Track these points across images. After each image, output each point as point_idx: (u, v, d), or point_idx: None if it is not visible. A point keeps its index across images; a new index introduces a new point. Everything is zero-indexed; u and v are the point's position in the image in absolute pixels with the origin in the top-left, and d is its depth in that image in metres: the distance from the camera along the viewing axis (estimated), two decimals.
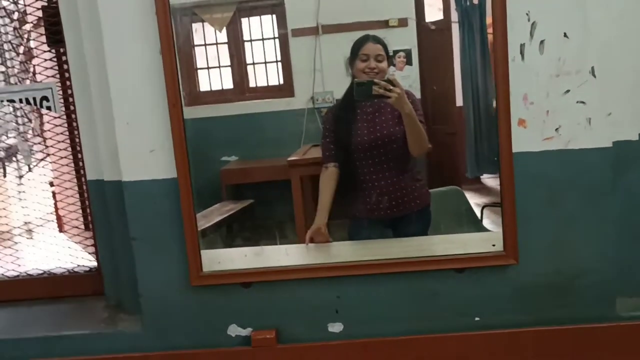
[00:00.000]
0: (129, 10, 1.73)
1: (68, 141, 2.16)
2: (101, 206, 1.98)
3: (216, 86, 4.33)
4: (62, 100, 2.07)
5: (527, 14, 1.66)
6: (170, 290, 1.85)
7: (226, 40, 4.35)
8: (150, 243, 1.83)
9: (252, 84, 4.38)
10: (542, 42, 1.67)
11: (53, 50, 2.11)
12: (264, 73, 4.35)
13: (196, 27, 4.29)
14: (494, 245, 1.79)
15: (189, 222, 1.77)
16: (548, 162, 1.72)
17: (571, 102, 1.69)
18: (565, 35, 1.66)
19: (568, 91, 1.69)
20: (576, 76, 1.68)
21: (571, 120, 1.70)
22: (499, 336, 1.78)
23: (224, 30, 4.33)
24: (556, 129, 1.71)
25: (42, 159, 2.53)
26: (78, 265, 2.19)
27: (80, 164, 2.09)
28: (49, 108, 2.04)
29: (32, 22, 2.16)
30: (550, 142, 1.72)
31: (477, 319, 1.81)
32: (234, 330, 1.86)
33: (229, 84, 4.35)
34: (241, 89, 4.37)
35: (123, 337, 1.88)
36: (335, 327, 1.85)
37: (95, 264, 2.16)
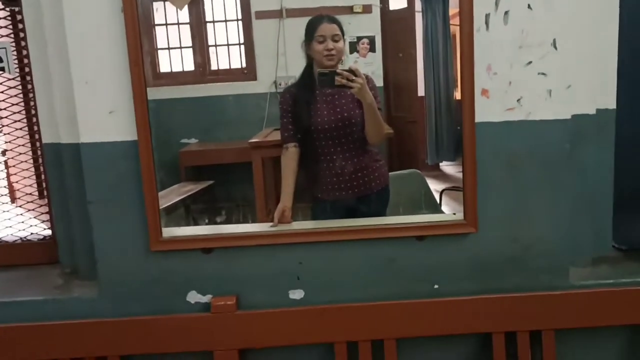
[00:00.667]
0: None
1: (22, 104, 2.08)
2: (57, 171, 1.92)
3: (177, 68, 4.25)
4: (16, 62, 1.99)
5: None
6: (128, 255, 1.81)
7: (188, 21, 4.27)
8: (108, 207, 1.78)
9: (214, 67, 4.32)
10: (506, 12, 1.70)
11: (7, 9, 2.03)
12: (227, 55, 4.30)
13: (157, 6, 4.20)
14: (454, 214, 1.81)
15: (148, 185, 1.73)
16: (509, 132, 1.75)
17: (533, 74, 1.73)
18: (529, 6, 1.69)
19: (530, 62, 1.72)
20: (538, 48, 1.71)
21: (532, 91, 1.74)
22: (456, 303, 1.80)
23: (186, 10, 4.24)
24: (518, 100, 1.74)
25: None
26: (31, 234, 2.12)
27: (35, 128, 2.02)
28: (2, 69, 1.96)
29: None
30: (512, 112, 1.75)
31: (435, 286, 1.84)
32: (194, 297, 1.84)
33: (190, 66, 4.28)
34: (203, 71, 4.31)
35: (78, 303, 1.82)
36: (296, 294, 1.84)
37: (49, 232, 2.09)
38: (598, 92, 1.84)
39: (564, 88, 1.74)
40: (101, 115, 1.74)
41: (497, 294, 1.82)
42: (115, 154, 1.75)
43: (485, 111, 1.74)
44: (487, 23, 1.70)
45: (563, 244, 1.82)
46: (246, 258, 1.82)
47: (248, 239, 1.79)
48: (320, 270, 1.83)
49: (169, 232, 1.80)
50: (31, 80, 1.93)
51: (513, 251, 1.82)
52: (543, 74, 1.72)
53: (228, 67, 4.32)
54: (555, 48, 1.71)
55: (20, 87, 2.07)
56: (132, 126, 1.72)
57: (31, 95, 1.99)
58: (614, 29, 1.82)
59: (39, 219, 2.17)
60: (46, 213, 2.09)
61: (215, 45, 4.29)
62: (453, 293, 1.83)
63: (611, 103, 1.86)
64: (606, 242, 1.97)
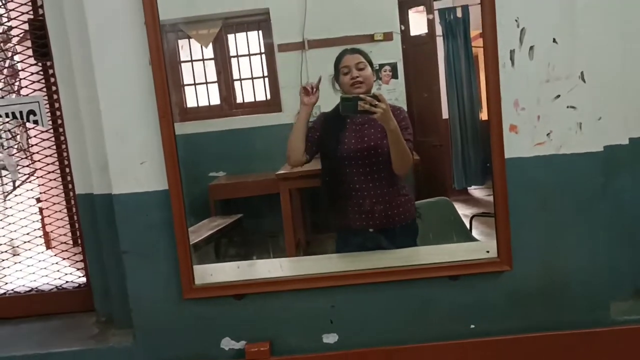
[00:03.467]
0: (118, 22, 1.73)
1: (56, 155, 2.13)
2: (90, 220, 1.95)
3: (203, 102, 4.31)
4: (49, 114, 2.05)
5: (516, 20, 1.68)
6: (161, 304, 1.82)
7: (212, 57, 4.34)
8: (141, 256, 1.80)
9: (239, 100, 4.36)
10: (531, 47, 1.69)
11: (39, 64, 2.09)
12: (251, 88, 4.34)
13: (182, 43, 4.28)
14: (488, 252, 1.78)
15: (180, 234, 1.75)
16: (540, 167, 1.73)
17: (562, 107, 1.70)
18: (554, 40, 1.68)
19: (558, 96, 1.70)
20: (566, 81, 1.69)
21: (562, 125, 1.71)
22: (494, 343, 1.77)
23: (210, 46, 4.32)
24: (547, 134, 1.72)
25: (29, 175, 2.49)
26: (67, 282, 2.15)
27: (69, 178, 2.06)
28: (36, 122, 2.01)
29: (17, 36, 2.14)
30: (542, 147, 1.72)
31: (472, 326, 1.80)
32: (227, 343, 1.83)
33: (216, 100, 4.33)
34: (228, 104, 4.35)
35: (114, 353, 1.84)
36: (330, 338, 1.82)
37: (84, 279, 2.12)
38: (630, 122, 1.81)
39: (595, 120, 1.72)
40: (132, 166, 1.77)
41: (536, 332, 1.77)
42: (147, 204, 1.78)
43: (515, 146, 1.73)
44: (512, 59, 1.69)
45: (602, 278, 1.78)
46: (278, 302, 1.81)
47: (279, 284, 1.79)
48: (353, 312, 1.81)
49: (200, 271, 1.80)
50: (64, 131, 1.98)
51: (550, 288, 1.78)
52: (572, 107, 1.70)
53: (253, 100, 4.37)
54: (584, 81, 1.69)
55: (53, 138, 2.12)
56: (163, 176, 1.75)
57: (64, 146, 2.03)
58: None
59: (73, 267, 2.20)
60: (81, 261, 2.12)
61: (240, 79, 4.34)
62: (490, 333, 1.79)
63: None
64: None
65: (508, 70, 1.70)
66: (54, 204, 2.18)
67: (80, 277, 2.16)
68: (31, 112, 1.99)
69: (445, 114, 4.85)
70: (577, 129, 1.71)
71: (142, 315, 1.83)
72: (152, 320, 1.83)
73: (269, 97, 4.31)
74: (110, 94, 1.75)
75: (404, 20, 4.31)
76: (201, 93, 4.33)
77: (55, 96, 2.02)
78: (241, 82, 4.34)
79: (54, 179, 2.16)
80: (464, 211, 3.52)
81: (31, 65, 2.10)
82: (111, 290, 1.95)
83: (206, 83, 4.31)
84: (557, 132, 1.71)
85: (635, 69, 1.79)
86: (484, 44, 1.69)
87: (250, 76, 4.33)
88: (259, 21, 4.28)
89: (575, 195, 1.74)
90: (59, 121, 2.03)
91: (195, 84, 4.29)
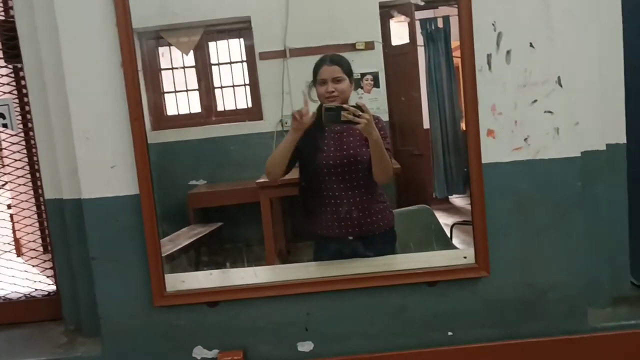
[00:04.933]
0: (89, 24, 1.69)
1: (26, 160, 2.08)
2: (60, 226, 1.90)
3: (184, 110, 4.27)
4: (19, 118, 2.00)
5: (493, 24, 1.67)
6: (131, 311, 1.77)
7: (193, 64, 4.31)
8: (110, 262, 1.75)
9: (220, 108, 4.33)
10: (508, 52, 1.68)
11: (9, 66, 2.04)
12: (232, 96, 4.32)
13: (162, 51, 4.25)
14: (465, 258, 1.76)
15: (151, 239, 1.70)
16: (517, 172, 1.72)
17: (539, 112, 1.70)
18: (531, 45, 1.67)
19: (535, 101, 1.69)
20: (543, 86, 1.69)
21: (539, 130, 1.70)
22: (472, 350, 1.74)
23: (191, 53, 4.29)
24: (525, 139, 1.71)
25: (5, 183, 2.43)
26: (36, 290, 2.08)
27: (39, 183, 2.01)
28: (5, 125, 1.95)
29: None
30: (520, 152, 1.71)
31: (449, 333, 1.78)
32: (200, 352, 1.79)
33: (196, 108, 4.30)
34: (209, 112, 4.32)
35: None
36: (305, 346, 1.78)
37: (54, 287, 2.06)
38: (607, 127, 1.81)
39: (572, 125, 1.71)
40: (102, 170, 1.73)
41: (514, 340, 1.75)
42: (117, 209, 1.73)
43: (492, 152, 1.71)
44: (489, 63, 1.68)
45: (580, 284, 1.76)
46: (252, 310, 1.77)
47: (253, 290, 1.75)
48: (329, 320, 1.78)
49: (172, 279, 1.76)
50: (34, 134, 1.92)
51: (528, 294, 1.76)
52: (549, 112, 1.69)
53: (234, 108, 4.34)
54: (560, 85, 1.68)
55: (24, 142, 2.06)
56: (134, 180, 1.71)
57: (34, 150, 1.98)
58: (619, 62, 1.80)
59: (44, 274, 2.14)
60: (51, 268, 2.06)
61: (221, 87, 4.32)
62: (468, 340, 1.77)
63: (621, 137, 1.82)
64: (624, 281, 1.90)
65: (485, 74, 1.69)
66: (24, 209, 2.12)
67: (50, 284, 2.09)
68: (0, 115, 1.94)
69: (426, 124, 4.87)
70: (555, 134, 1.70)
71: (111, 323, 1.77)
72: (121, 329, 1.77)
73: (250, 105, 4.29)
74: (80, 97, 1.71)
75: (385, 29, 4.33)
76: (182, 101, 4.29)
77: (26, 99, 1.97)
78: (222, 90, 4.32)
79: (24, 184, 2.10)
80: (445, 220, 3.51)
81: (1, 67, 2.04)
82: (80, 299, 1.89)
83: (187, 91, 4.28)
84: (535, 137, 1.70)
85: (612, 74, 1.80)
86: (460, 48, 1.68)
87: (231, 84, 4.31)
88: (241, 29, 4.26)
89: (552, 201, 1.73)
90: (29, 124, 1.98)
91: (175, 92, 4.26)
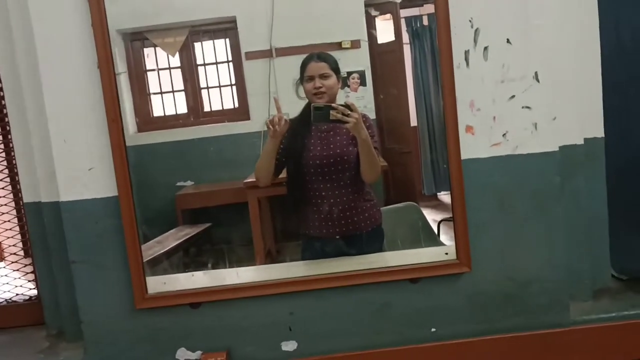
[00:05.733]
0: (64, 24, 1.67)
1: (5, 163, 2.06)
2: (40, 230, 1.88)
3: (170, 111, 4.25)
4: None
5: (470, 21, 1.67)
6: (113, 315, 1.76)
7: (179, 65, 4.28)
8: (91, 265, 1.74)
9: (206, 108, 4.30)
10: (486, 48, 1.68)
11: None
12: (219, 97, 4.30)
13: (148, 52, 4.22)
14: (446, 254, 1.77)
15: (131, 241, 1.69)
16: (497, 168, 1.72)
17: (517, 108, 1.70)
18: (508, 41, 1.67)
19: (513, 96, 1.70)
20: (520, 82, 1.69)
21: (517, 125, 1.71)
22: (455, 346, 1.75)
23: (177, 54, 4.27)
24: (503, 135, 1.71)
25: None
26: (17, 294, 2.07)
27: (18, 187, 1.99)
28: None
29: None
30: (498, 147, 1.72)
31: (433, 329, 1.78)
32: (183, 354, 1.78)
33: (183, 109, 4.28)
34: (196, 113, 4.30)
35: None
36: (289, 346, 1.78)
37: (35, 292, 2.04)
38: (585, 122, 1.82)
39: (550, 120, 1.72)
40: (80, 173, 1.71)
41: (497, 335, 1.76)
42: (97, 211, 1.72)
43: (471, 148, 1.71)
44: (467, 59, 1.68)
45: (561, 278, 1.77)
46: (235, 310, 1.76)
47: (236, 291, 1.74)
48: (313, 319, 1.77)
49: (155, 282, 1.75)
50: (10, 138, 1.91)
51: (510, 289, 1.76)
52: (527, 107, 1.70)
53: (221, 108, 4.32)
54: (538, 81, 1.69)
55: (2, 146, 2.05)
56: (113, 182, 1.69)
57: (13, 154, 1.96)
58: (595, 57, 1.81)
59: (25, 279, 2.12)
60: (32, 272, 2.04)
61: (207, 88, 4.30)
62: (452, 336, 1.77)
63: (599, 131, 1.84)
64: (605, 273, 1.92)
65: (463, 71, 1.69)
66: (3, 213, 2.10)
67: (31, 289, 2.08)
68: None
69: (413, 121, 4.87)
70: (533, 129, 1.71)
71: (93, 327, 1.76)
72: (103, 333, 1.76)
73: (237, 105, 4.27)
74: (57, 99, 1.70)
75: (371, 28, 4.33)
76: (168, 102, 4.26)
77: (3, 102, 1.95)
78: (208, 91, 4.29)
79: (3, 188, 2.08)
80: (434, 216, 3.51)
81: None
82: (62, 303, 1.88)
83: (173, 92, 4.25)
84: (513, 133, 1.71)
85: (589, 68, 1.81)
86: (438, 45, 1.68)
87: (217, 84, 4.29)
88: (226, 29, 4.24)
89: (532, 195, 1.73)
90: (7, 128, 1.96)
91: (162, 93, 4.23)
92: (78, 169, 1.71)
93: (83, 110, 1.70)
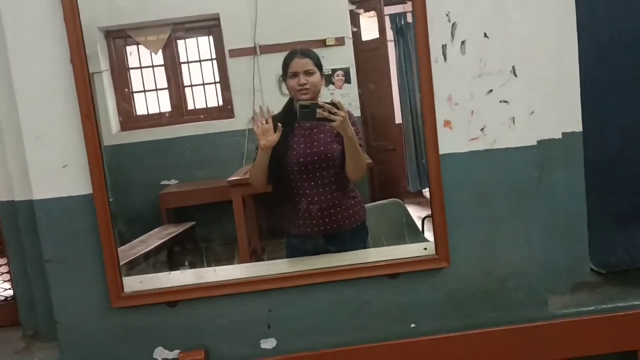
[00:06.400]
0: (35, 18, 1.64)
1: None
2: (13, 229, 1.85)
3: (154, 109, 4.22)
4: None
5: (447, 15, 1.66)
6: (89, 314, 1.73)
7: (162, 63, 4.25)
8: (65, 264, 1.71)
9: (190, 106, 4.29)
10: (463, 42, 1.67)
11: None
12: (203, 95, 4.28)
13: (131, 50, 4.19)
14: (425, 249, 1.76)
15: (107, 239, 1.67)
16: (475, 162, 1.72)
17: (495, 102, 1.70)
18: (485, 35, 1.67)
19: (491, 91, 1.69)
20: (498, 76, 1.69)
21: (495, 120, 1.70)
22: (435, 342, 1.74)
23: (160, 52, 4.23)
24: (481, 129, 1.71)
25: None
26: None
27: None
28: None
29: None
30: (476, 142, 1.71)
31: (412, 325, 1.77)
32: (160, 353, 1.75)
33: (166, 107, 4.25)
34: (179, 111, 4.28)
35: None
36: (268, 343, 1.76)
37: (11, 292, 2.01)
38: (563, 116, 1.82)
39: (528, 114, 1.71)
40: (54, 170, 1.68)
41: (476, 330, 1.75)
42: (71, 209, 1.69)
43: (449, 142, 1.71)
44: (444, 54, 1.68)
45: (539, 272, 1.77)
46: (213, 309, 1.75)
47: (213, 289, 1.72)
48: (291, 316, 1.76)
49: (131, 281, 1.73)
50: None
51: (489, 284, 1.76)
52: (505, 101, 1.69)
53: (205, 106, 4.30)
54: (515, 75, 1.68)
55: None
56: (87, 179, 1.67)
57: None
58: (573, 51, 1.81)
59: (0, 279, 2.09)
60: (7, 272, 2.01)
61: (191, 85, 4.27)
62: (431, 331, 1.76)
63: (577, 126, 1.84)
64: (584, 267, 1.92)
65: (440, 65, 1.68)
66: None
67: (6, 289, 2.05)
68: None
69: (398, 118, 4.88)
70: (511, 124, 1.70)
71: (68, 327, 1.73)
72: (79, 333, 1.74)
73: (221, 103, 4.26)
74: (29, 95, 1.66)
75: (355, 25, 4.33)
76: (151, 100, 4.24)
77: None
78: (192, 89, 4.28)
79: None
80: (418, 213, 3.53)
81: None
82: (37, 303, 1.85)
83: (156, 90, 4.23)
84: (491, 127, 1.70)
85: (566, 62, 1.81)
86: (416, 39, 1.67)
87: (201, 82, 4.27)
88: (210, 27, 4.23)
89: (510, 190, 1.73)
90: None
91: (145, 91, 4.20)
92: (52, 166, 1.68)
93: (56, 107, 1.66)
